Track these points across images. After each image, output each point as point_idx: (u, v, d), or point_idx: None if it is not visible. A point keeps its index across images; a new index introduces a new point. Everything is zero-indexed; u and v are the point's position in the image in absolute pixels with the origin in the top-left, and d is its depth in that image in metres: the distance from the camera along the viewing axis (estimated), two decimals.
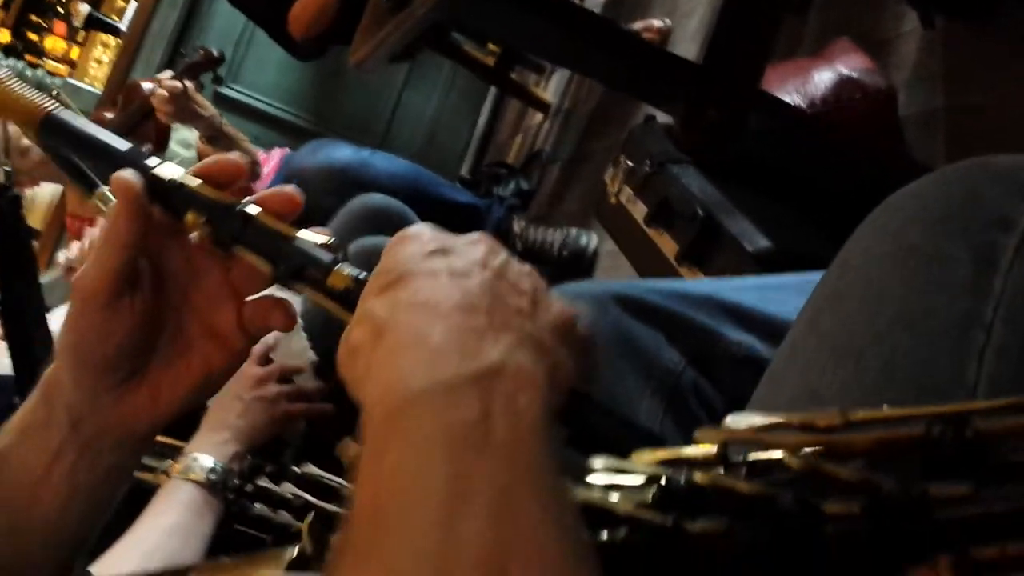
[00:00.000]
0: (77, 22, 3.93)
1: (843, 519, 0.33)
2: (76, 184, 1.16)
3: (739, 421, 0.38)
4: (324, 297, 0.52)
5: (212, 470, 1.10)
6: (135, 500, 0.97)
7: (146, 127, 2.56)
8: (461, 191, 2.88)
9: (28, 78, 2.90)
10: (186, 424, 1.19)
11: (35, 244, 2.66)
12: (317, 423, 1.28)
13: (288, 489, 1.18)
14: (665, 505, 0.34)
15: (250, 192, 0.58)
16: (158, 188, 0.56)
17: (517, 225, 2.65)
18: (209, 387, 0.58)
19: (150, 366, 0.56)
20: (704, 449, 0.37)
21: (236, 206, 0.55)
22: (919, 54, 1.67)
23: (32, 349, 1.14)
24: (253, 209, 0.55)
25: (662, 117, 1.79)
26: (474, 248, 0.46)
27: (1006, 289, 0.48)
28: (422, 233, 0.47)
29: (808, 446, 0.35)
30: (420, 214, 1.58)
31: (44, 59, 4.75)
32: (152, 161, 0.58)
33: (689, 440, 0.38)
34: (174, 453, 1.15)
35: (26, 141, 2.09)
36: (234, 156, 0.58)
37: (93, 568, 0.74)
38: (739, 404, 0.40)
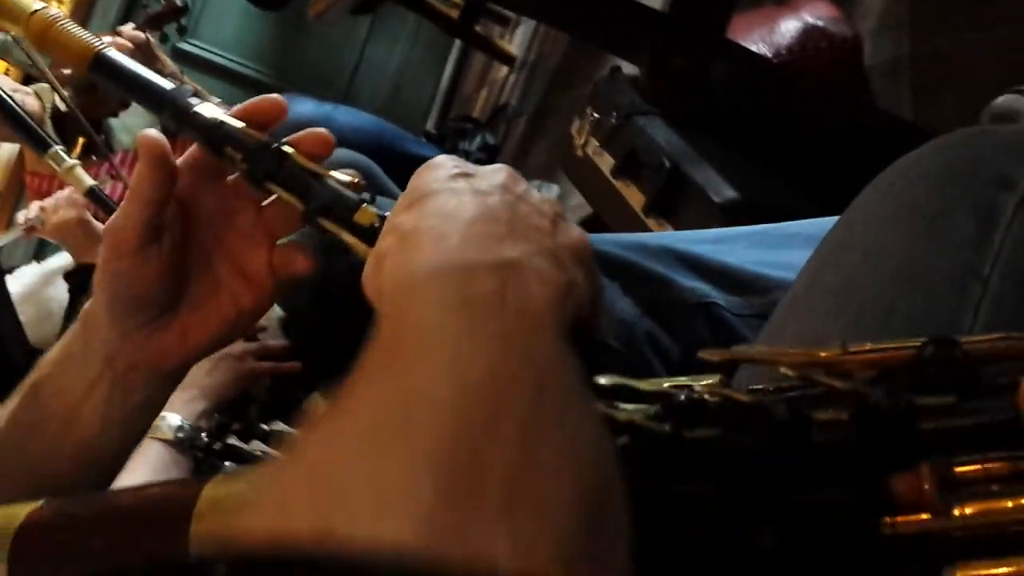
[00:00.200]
0: None
1: (832, 426, 0.34)
2: (29, 144, 1.13)
3: (742, 351, 0.40)
4: (350, 233, 0.55)
5: (180, 428, 1.10)
6: None
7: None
8: (426, 146, 2.86)
9: None
10: None
11: None
12: (283, 380, 1.28)
13: (257, 447, 1.18)
14: (666, 417, 0.36)
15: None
16: (198, 126, 0.59)
17: None
18: (237, 328, 0.60)
19: (181, 306, 0.59)
20: (709, 378, 0.39)
21: (273, 145, 0.58)
22: (885, 2, 1.66)
23: None
24: (288, 149, 0.58)
25: (628, 69, 1.78)
26: (496, 174, 0.48)
27: (1004, 245, 0.50)
28: (447, 160, 0.50)
29: (807, 367, 0.37)
30: (385, 169, 1.56)
31: None
32: (194, 100, 0.60)
33: None
34: None
35: None
36: (274, 96, 0.60)
37: None
38: (694, 351, 0.41)
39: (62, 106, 1.96)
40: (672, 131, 1.54)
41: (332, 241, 0.56)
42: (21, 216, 1.76)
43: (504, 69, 3.42)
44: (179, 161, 0.58)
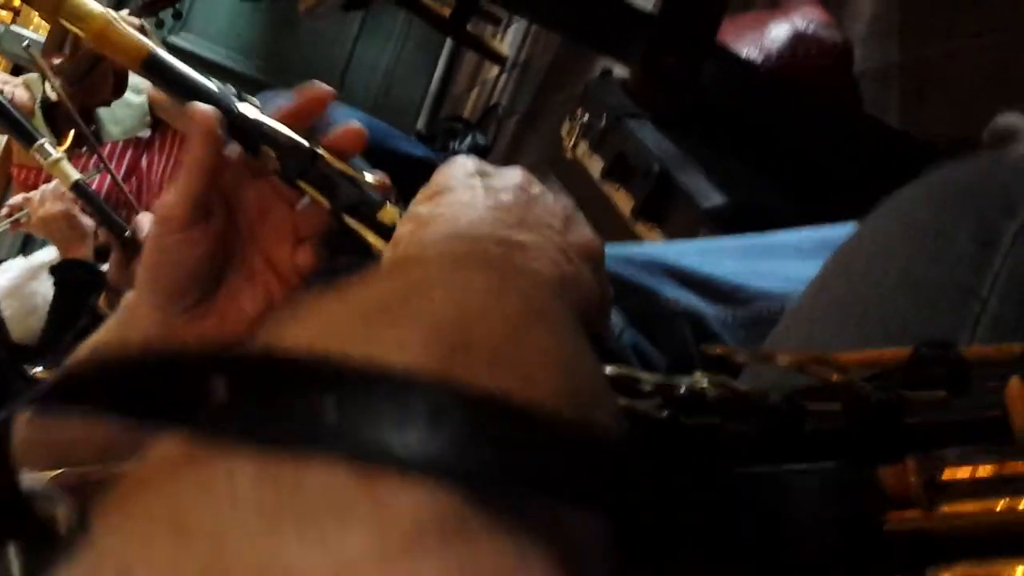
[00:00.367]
0: None
1: (824, 416, 0.35)
2: (15, 137, 1.13)
3: (742, 349, 0.41)
4: (374, 233, 0.59)
5: None
6: None
7: (102, 69, 2.48)
8: (417, 145, 2.85)
9: None
10: None
11: None
12: None
13: None
14: (666, 405, 0.37)
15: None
16: (240, 125, 0.62)
17: None
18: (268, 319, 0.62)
19: (218, 294, 0.61)
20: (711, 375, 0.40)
21: (306, 145, 0.61)
22: (875, 8, 1.67)
23: None
24: (320, 149, 0.61)
25: (619, 71, 1.78)
26: (513, 174, 0.51)
27: (1004, 267, 0.52)
28: (468, 159, 0.53)
29: (805, 363, 0.38)
30: (375, 166, 1.56)
31: None
32: (236, 100, 0.64)
33: None
34: None
35: None
36: (360, 130, 0.64)
37: None
38: (679, 362, 0.42)
39: (53, 96, 1.95)
40: (662, 135, 1.54)
41: (338, 238, 0.60)
42: (5, 208, 1.75)
43: (495, 69, 3.42)
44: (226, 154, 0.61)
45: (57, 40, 3.40)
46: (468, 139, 3.11)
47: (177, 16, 2.81)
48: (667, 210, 1.46)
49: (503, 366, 0.25)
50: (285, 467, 0.20)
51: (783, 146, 1.50)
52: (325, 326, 0.27)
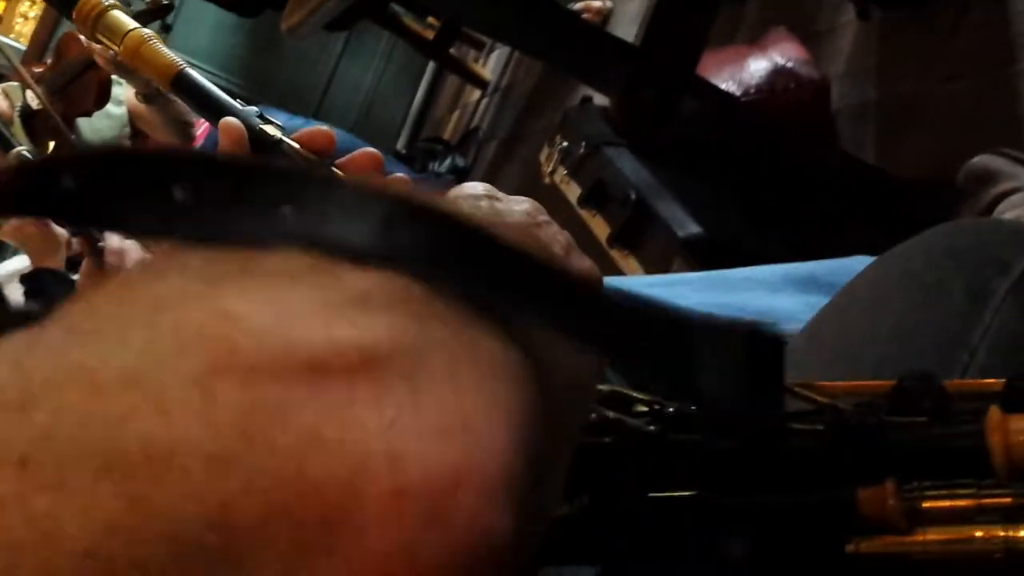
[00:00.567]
0: None
1: (806, 435, 0.36)
2: None
3: None
4: None
5: None
6: None
7: (86, 80, 2.47)
8: (397, 164, 2.85)
9: None
10: None
11: None
12: None
13: None
14: (654, 422, 0.38)
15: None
16: (261, 142, 0.65)
17: None
18: None
19: None
20: None
21: (319, 164, 0.64)
22: (854, 46, 1.69)
23: None
24: (333, 169, 0.64)
25: (599, 99, 1.79)
26: (520, 202, 0.51)
27: (995, 322, 0.53)
28: (478, 184, 0.53)
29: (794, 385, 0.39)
30: None
31: None
32: (259, 120, 0.67)
33: None
34: None
35: None
36: (328, 131, 0.67)
37: None
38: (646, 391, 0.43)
39: (34, 104, 1.94)
40: (640, 163, 1.55)
41: None
42: None
43: (477, 93, 3.43)
44: None
45: (38, 50, 3.38)
46: (448, 161, 3.11)
47: (166, 29, 2.80)
48: (643, 238, 1.47)
49: None
50: (240, 252, 0.21)
51: (760, 178, 1.51)
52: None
